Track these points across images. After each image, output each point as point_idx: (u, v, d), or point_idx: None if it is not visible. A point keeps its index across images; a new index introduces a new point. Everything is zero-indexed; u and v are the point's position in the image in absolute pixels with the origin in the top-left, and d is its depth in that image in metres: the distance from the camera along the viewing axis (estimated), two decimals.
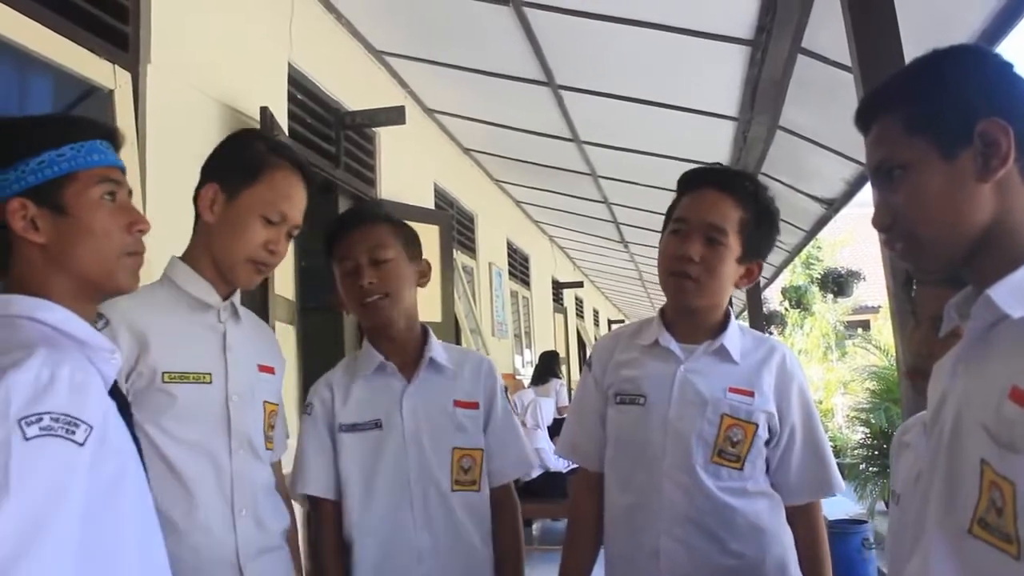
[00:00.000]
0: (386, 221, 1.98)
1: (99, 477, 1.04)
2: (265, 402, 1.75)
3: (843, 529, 5.49)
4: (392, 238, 1.94)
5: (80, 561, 0.99)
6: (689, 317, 1.88)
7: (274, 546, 1.72)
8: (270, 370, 1.80)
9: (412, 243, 2.00)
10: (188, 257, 1.68)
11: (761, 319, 6.36)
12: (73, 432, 1.00)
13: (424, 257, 2.03)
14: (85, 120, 1.30)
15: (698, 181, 1.86)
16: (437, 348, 1.98)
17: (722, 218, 1.79)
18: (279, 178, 1.67)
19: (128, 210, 1.26)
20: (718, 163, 1.93)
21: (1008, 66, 1.03)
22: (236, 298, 1.73)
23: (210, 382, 1.62)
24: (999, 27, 2.68)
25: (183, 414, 1.58)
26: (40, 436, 0.97)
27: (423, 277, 2.01)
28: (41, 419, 0.98)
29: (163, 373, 1.56)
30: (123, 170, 1.28)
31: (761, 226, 1.84)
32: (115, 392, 1.20)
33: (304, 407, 2.00)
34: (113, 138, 1.29)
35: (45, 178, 1.17)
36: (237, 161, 1.68)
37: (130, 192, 1.29)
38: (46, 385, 1.01)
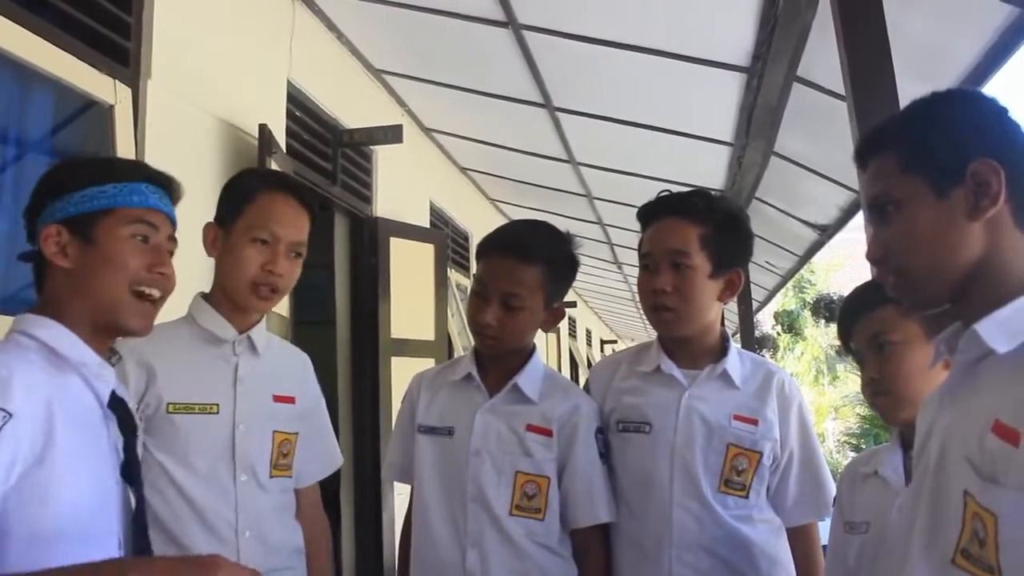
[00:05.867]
0: (540, 263, 1.82)
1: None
2: (275, 432, 1.80)
3: None
4: (536, 284, 1.81)
5: None
6: (685, 343, 1.89)
7: (283, 566, 1.77)
8: (288, 400, 1.85)
9: (558, 286, 1.88)
10: (209, 294, 1.79)
11: (753, 342, 6.37)
12: None
13: (558, 305, 1.91)
14: (136, 164, 1.40)
15: (654, 213, 1.91)
16: (529, 376, 1.87)
17: (682, 241, 1.82)
18: (265, 201, 1.76)
19: (156, 253, 1.33)
20: (666, 190, 1.93)
21: (1003, 110, 1.06)
22: (258, 331, 1.81)
23: (217, 412, 1.71)
24: (991, 62, 2.72)
25: (189, 444, 1.67)
26: None
27: (551, 322, 1.90)
28: None
29: (168, 403, 1.66)
30: (169, 217, 1.36)
31: (725, 234, 1.83)
32: (118, 406, 1.30)
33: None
34: (165, 185, 1.37)
35: (82, 210, 1.27)
36: (228, 197, 1.80)
37: (174, 241, 1.37)
38: None
